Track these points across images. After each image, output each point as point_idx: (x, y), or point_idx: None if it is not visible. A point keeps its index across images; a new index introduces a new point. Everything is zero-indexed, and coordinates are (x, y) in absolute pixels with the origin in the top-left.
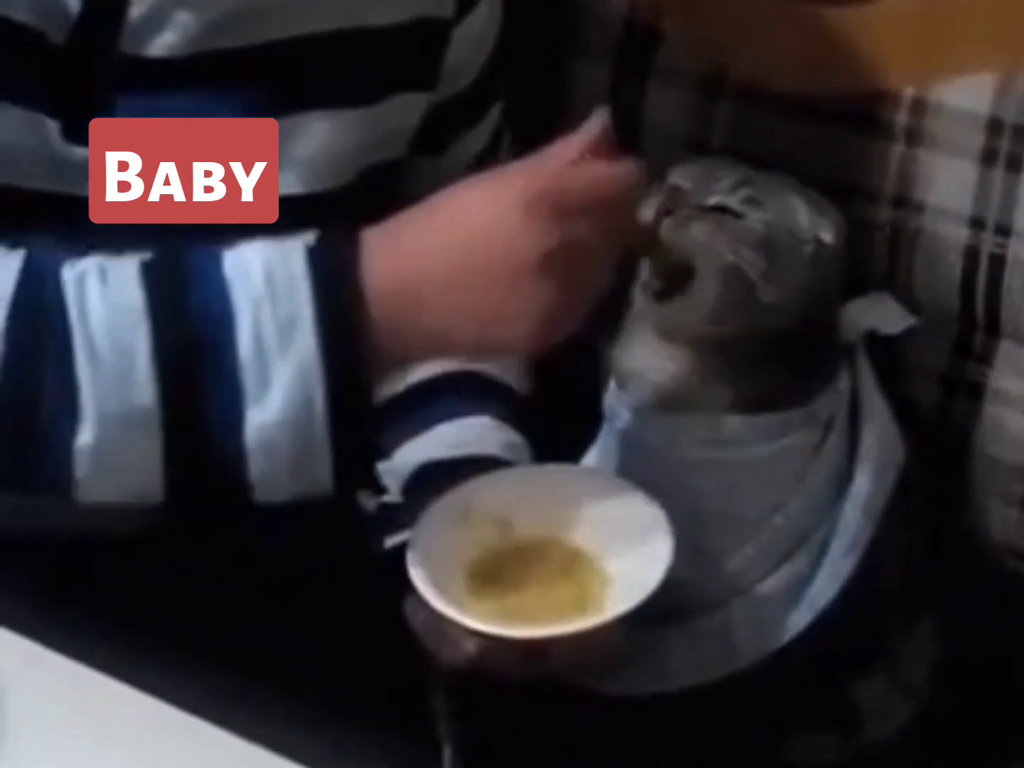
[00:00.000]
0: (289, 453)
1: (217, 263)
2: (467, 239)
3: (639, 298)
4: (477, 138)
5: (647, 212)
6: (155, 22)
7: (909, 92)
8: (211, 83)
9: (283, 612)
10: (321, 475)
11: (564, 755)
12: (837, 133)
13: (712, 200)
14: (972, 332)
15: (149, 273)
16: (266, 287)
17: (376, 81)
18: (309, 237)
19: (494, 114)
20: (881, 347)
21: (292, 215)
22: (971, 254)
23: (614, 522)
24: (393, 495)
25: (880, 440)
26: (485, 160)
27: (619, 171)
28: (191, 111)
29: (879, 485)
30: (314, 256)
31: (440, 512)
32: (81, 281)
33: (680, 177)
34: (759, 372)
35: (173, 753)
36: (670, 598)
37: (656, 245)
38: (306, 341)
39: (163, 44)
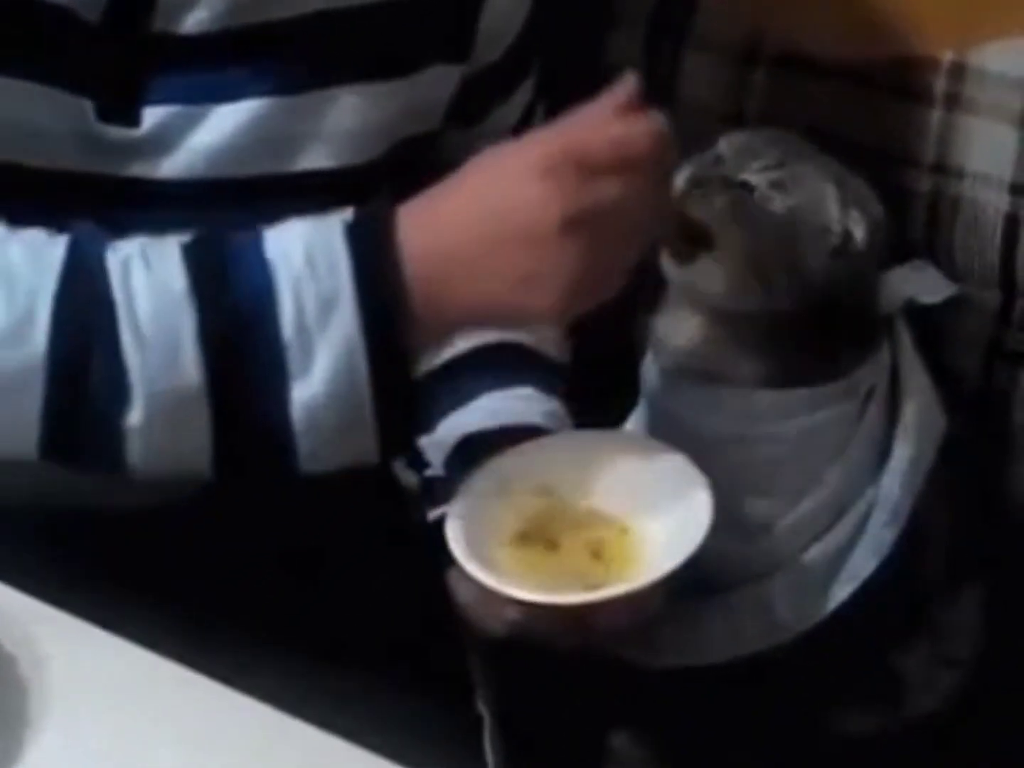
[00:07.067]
0: (334, 426)
1: (257, 244)
2: (491, 207)
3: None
4: (510, 111)
5: (678, 179)
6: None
7: (948, 57)
8: (241, 60)
9: (324, 586)
10: (366, 445)
11: (605, 727)
12: (875, 99)
13: (742, 176)
14: (1013, 300)
15: (191, 255)
16: (306, 266)
17: (409, 53)
18: (347, 215)
19: (527, 87)
20: (922, 316)
21: (327, 189)
22: (1012, 221)
23: (655, 486)
24: (436, 468)
25: (920, 411)
26: (519, 133)
27: (645, 128)
28: (221, 88)
29: (919, 456)
30: (352, 233)
31: (480, 482)
32: (126, 266)
33: (725, 146)
34: (790, 347)
35: (212, 725)
36: (710, 571)
37: (679, 209)
38: (347, 317)
39: (195, 21)
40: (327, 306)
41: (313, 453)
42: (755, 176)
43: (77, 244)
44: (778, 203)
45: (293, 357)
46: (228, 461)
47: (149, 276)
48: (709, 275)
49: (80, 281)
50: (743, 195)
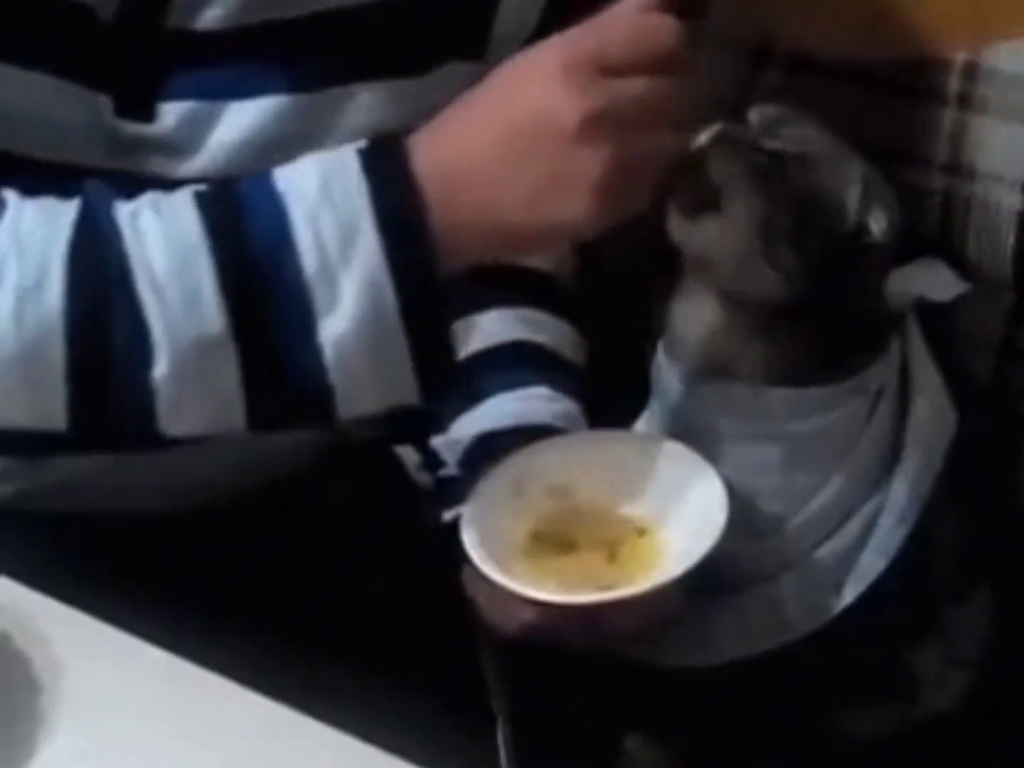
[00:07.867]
0: (367, 360)
1: (268, 181)
2: (507, 111)
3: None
4: None
5: (702, 135)
6: None
7: (961, 57)
8: (258, 56)
9: (339, 586)
10: (403, 380)
11: (617, 727)
12: (887, 100)
13: (768, 144)
14: None
15: (202, 200)
16: (321, 195)
17: (426, 50)
18: (360, 144)
19: None
20: (933, 315)
21: None
22: None
23: (670, 486)
24: (450, 468)
25: (931, 411)
26: None
27: (665, 26)
28: (239, 85)
29: (929, 458)
30: (366, 159)
31: (494, 482)
32: (135, 216)
33: (755, 115)
34: (800, 344)
35: (225, 724)
36: (720, 570)
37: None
38: (369, 244)
39: (210, 18)
40: (347, 235)
41: (350, 393)
42: (780, 146)
43: (87, 203)
44: (798, 178)
45: (318, 292)
46: (262, 410)
47: (161, 224)
48: (716, 239)
49: (91, 237)
50: (764, 161)
